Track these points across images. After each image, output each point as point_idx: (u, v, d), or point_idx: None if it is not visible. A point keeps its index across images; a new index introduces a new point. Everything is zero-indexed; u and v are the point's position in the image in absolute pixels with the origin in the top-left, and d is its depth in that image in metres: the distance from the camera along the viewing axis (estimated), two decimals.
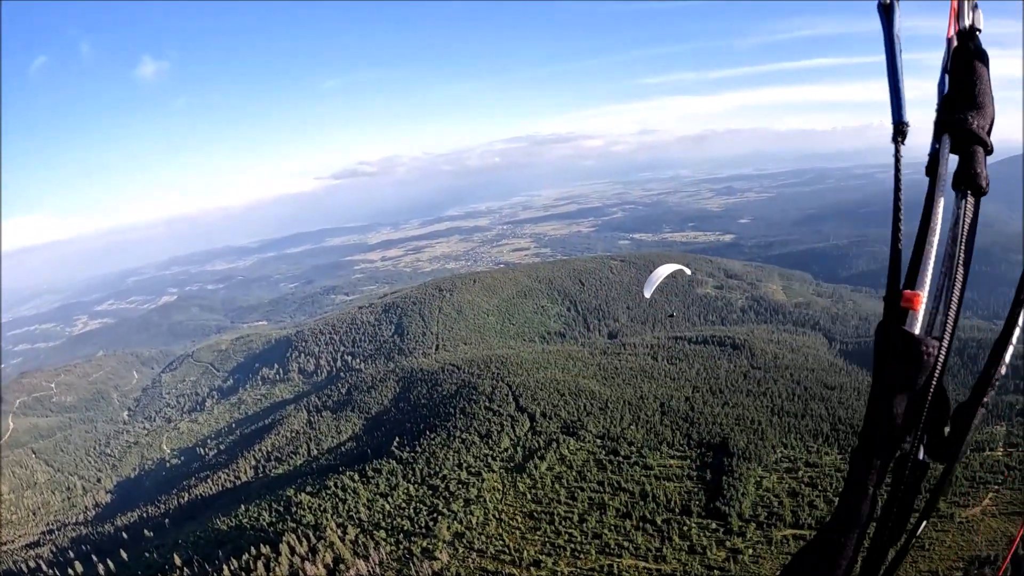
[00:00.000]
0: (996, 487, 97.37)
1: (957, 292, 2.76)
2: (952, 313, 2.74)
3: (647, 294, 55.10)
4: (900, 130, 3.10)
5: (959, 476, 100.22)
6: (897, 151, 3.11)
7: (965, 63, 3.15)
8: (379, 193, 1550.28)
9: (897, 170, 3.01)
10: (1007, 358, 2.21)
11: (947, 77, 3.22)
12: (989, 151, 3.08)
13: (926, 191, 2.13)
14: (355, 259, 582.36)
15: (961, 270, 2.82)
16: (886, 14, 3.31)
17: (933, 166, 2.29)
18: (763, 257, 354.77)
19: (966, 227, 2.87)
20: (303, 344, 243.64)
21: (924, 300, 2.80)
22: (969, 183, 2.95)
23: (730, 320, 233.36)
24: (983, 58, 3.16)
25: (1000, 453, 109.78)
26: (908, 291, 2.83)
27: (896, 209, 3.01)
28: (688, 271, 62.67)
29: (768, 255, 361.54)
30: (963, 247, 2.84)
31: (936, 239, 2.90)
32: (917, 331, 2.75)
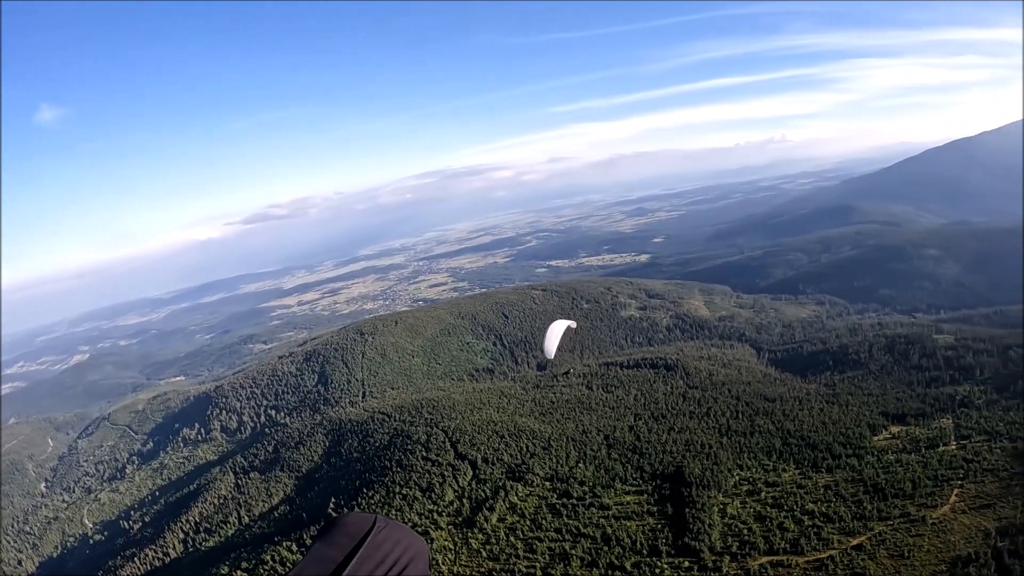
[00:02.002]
0: (960, 483, 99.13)
1: None
2: None
3: (550, 355, 54.11)
4: None
5: (922, 477, 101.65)
6: None
7: None
8: (292, 236, 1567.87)
9: None
10: None
11: None
12: None
13: None
14: (271, 305, 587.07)
15: None
16: None
17: None
18: (682, 274, 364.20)
19: None
20: (223, 400, 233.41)
21: None
22: None
23: (657, 340, 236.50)
24: None
25: (954, 447, 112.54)
26: None
27: None
28: (574, 324, 62.23)
29: (686, 272, 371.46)
30: None
31: None
32: None
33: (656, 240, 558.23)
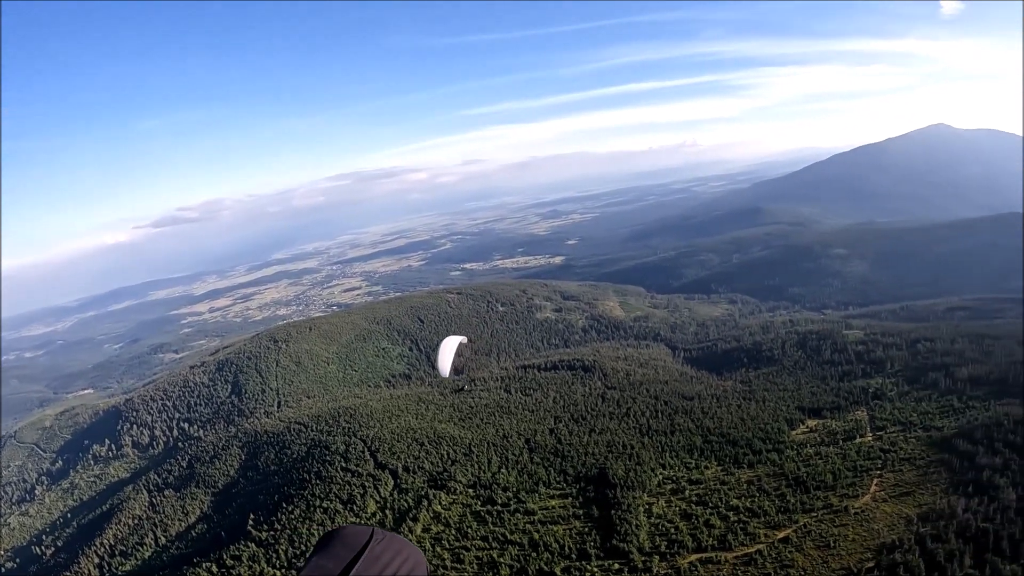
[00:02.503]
0: (879, 472, 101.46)
1: None
2: None
3: (445, 374, 52.83)
4: None
5: (842, 469, 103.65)
6: None
7: None
8: (203, 240, 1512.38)
9: None
10: None
11: None
12: None
13: None
14: (182, 312, 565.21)
15: None
16: None
17: None
18: (596, 276, 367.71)
19: None
20: (134, 414, 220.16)
21: None
22: None
23: (573, 341, 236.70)
24: None
25: (870, 438, 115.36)
26: None
27: None
28: (466, 339, 60.88)
29: (600, 273, 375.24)
30: None
31: None
32: None
33: (571, 242, 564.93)
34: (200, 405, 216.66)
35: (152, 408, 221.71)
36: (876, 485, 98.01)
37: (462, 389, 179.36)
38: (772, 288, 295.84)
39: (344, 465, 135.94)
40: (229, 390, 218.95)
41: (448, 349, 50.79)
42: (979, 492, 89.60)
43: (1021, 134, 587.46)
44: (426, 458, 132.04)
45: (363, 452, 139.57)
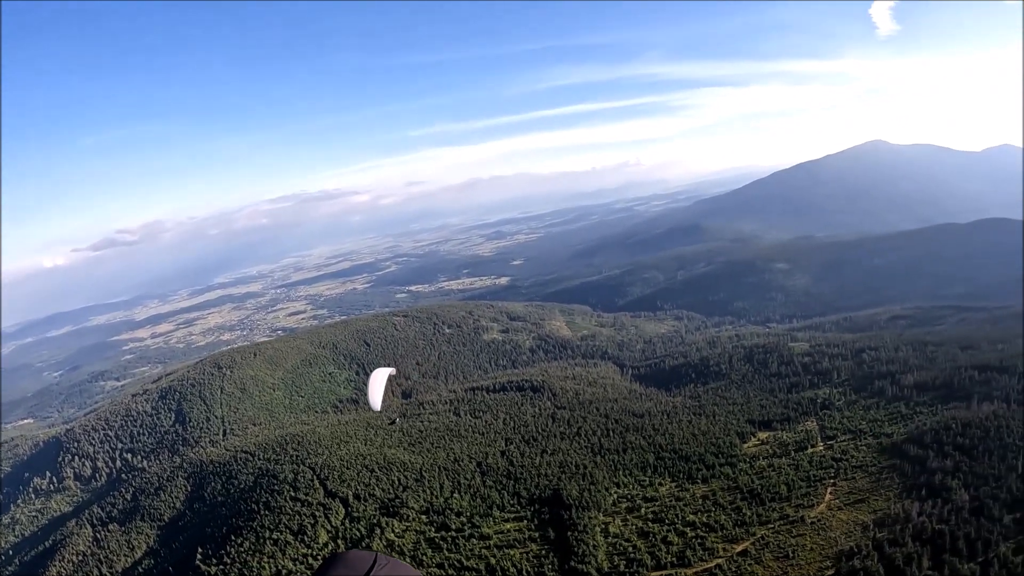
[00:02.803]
0: (832, 481, 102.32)
1: None
2: None
3: (376, 407, 51.44)
4: None
5: (795, 479, 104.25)
6: None
7: None
8: (143, 263, 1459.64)
9: None
10: None
11: None
12: None
13: None
14: (123, 338, 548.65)
15: None
16: None
17: None
18: (542, 296, 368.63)
19: None
20: (75, 444, 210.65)
21: None
22: None
23: (521, 362, 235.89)
24: None
25: (822, 448, 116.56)
26: None
27: None
28: (395, 371, 60.17)
29: (546, 293, 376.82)
30: None
31: None
32: None
33: (515, 263, 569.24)
34: (143, 435, 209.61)
35: (94, 438, 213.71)
36: (830, 494, 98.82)
37: (393, 423, 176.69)
38: (717, 303, 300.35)
39: (293, 494, 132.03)
40: (173, 419, 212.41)
41: (378, 382, 49.08)
42: (932, 495, 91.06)
43: (955, 148, 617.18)
44: (377, 485, 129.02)
45: (312, 480, 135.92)
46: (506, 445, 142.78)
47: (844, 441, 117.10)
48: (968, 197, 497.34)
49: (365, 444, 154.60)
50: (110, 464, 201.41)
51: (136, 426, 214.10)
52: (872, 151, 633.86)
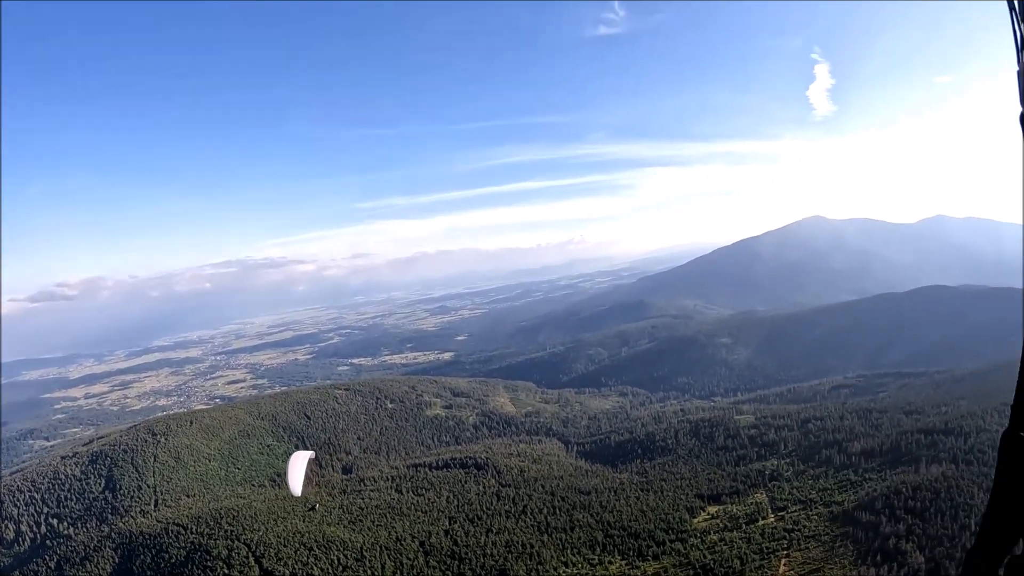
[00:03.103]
0: (785, 552, 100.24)
1: None
2: None
3: (297, 492, 49.43)
4: None
5: (748, 553, 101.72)
6: None
7: None
8: (81, 319, 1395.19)
9: None
10: None
11: None
12: None
13: None
14: (55, 396, 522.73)
15: None
16: None
17: None
18: (486, 372, 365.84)
19: None
20: None
21: None
22: None
23: (464, 438, 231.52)
24: None
25: (773, 519, 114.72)
26: None
27: None
28: (313, 454, 58.56)
29: (490, 369, 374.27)
30: None
31: None
32: None
33: (460, 338, 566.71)
34: (71, 500, 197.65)
35: (19, 500, 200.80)
36: (784, 565, 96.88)
37: (313, 508, 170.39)
38: (661, 379, 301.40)
39: (226, 572, 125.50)
40: (103, 485, 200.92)
41: (297, 466, 46.53)
42: (887, 560, 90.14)
43: (889, 220, 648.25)
44: (315, 564, 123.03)
45: (247, 557, 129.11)
46: (450, 524, 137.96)
47: (795, 511, 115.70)
48: (903, 267, 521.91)
49: (304, 521, 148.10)
50: (34, 529, 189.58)
51: (64, 490, 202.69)
52: (810, 226, 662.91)
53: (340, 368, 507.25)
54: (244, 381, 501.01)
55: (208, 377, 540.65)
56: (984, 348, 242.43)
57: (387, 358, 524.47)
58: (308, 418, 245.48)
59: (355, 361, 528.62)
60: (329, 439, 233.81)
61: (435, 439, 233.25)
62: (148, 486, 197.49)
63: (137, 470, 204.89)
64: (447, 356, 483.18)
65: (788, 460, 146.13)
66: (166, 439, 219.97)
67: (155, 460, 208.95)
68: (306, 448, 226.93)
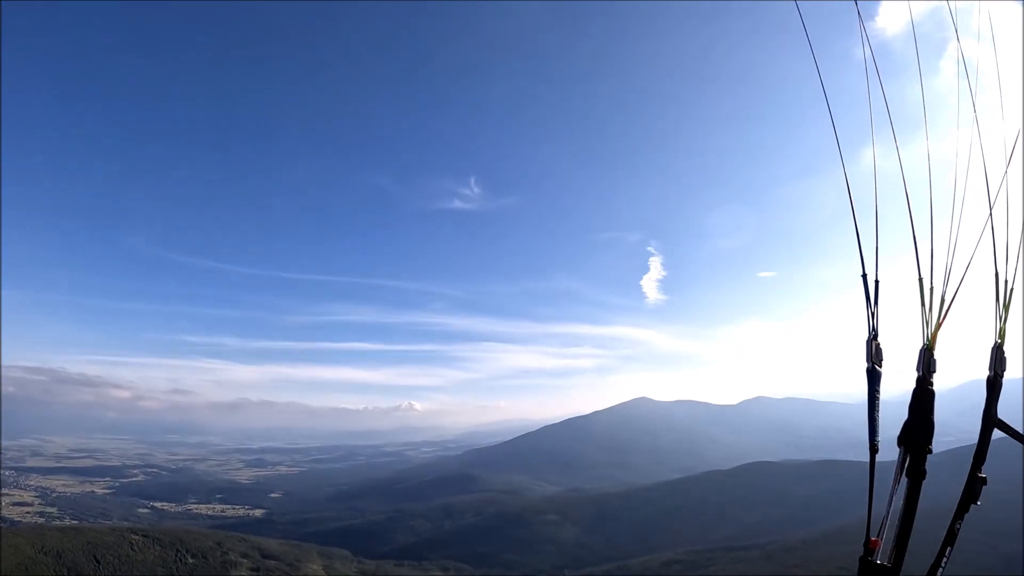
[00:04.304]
0: None
1: (904, 534, 5.61)
2: (901, 547, 5.56)
3: None
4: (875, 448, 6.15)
5: None
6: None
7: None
8: None
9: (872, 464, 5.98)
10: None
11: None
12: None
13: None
14: None
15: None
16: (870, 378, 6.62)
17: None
18: (300, 535, 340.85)
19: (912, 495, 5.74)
20: None
21: (881, 541, 5.57)
22: (915, 475, 5.81)
23: None
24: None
25: None
26: (873, 539, 5.55)
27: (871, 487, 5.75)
28: None
29: (304, 532, 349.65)
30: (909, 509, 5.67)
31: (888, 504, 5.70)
32: (878, 560, 5.62)
33: (274, 495, 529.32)
34: None
35: None
36: None
37: None
38: (486, 555, 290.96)
39: None
40: None
41: None
42: None
43: (712, 402, 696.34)
44: None
45: None
46: None
47: None
48: (727, 445, 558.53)
49: None
50: None
51: None
52: (638, 406, 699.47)
53: (141, 510, 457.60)
54: (31, 505, 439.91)
55: None
56: (812, 518, 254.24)
57: (194, 506, 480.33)
58: (98, 562, 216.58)
59: (158, 505, 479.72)
60: None
61: None
62: None
63: None
64: (259, 513, 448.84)
65: None
66: None
67: None
68: None
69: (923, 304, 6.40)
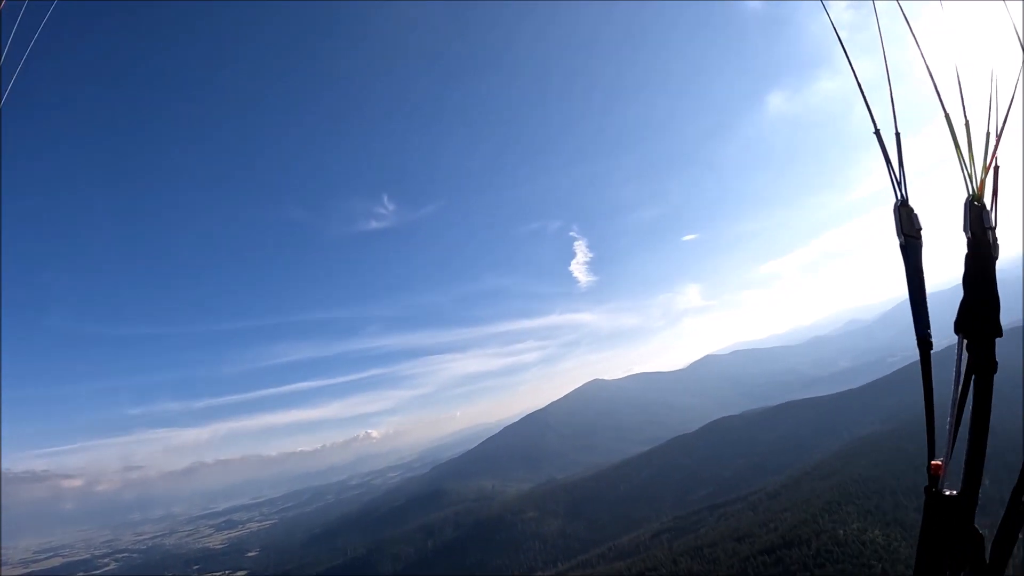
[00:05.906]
0: None
1: (976, 454, 4.22)
2: (973, 471, 4.18)
3: None
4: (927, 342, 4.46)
5: None
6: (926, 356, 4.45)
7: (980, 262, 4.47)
8: None
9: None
10: None
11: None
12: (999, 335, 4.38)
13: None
14: None
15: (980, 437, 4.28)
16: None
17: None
18: None
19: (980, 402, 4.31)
20: None
21: (946, 464, 4.31)
22: (984, 370, 4.28)
23: None
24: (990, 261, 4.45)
25: None
26: (934, 462, 4.25)
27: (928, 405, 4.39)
28: None
29: None
30: (979, 420, 4.28)
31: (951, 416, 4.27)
32: (945, 490, 4.27)
33: (251, 554, 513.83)
34: None
35: None
36: None
37: None
38: (475, 566, 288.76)
39: None
40: None
41: None
42: None
43: (663, 370, 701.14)
44: None
45: None
46: None
47: None
48: (686, 409, 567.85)
49: None
50: None
51: None
52: (591, 389, 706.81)
53: None
54: None
55: None
56: (785, 462, 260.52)
57: None
58: None
59: None
60: None
61: None
62: None
63: None
64: (241, 575, 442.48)
65: None
66: None
67: None
68: None
69: (957, 146, 4.60)
